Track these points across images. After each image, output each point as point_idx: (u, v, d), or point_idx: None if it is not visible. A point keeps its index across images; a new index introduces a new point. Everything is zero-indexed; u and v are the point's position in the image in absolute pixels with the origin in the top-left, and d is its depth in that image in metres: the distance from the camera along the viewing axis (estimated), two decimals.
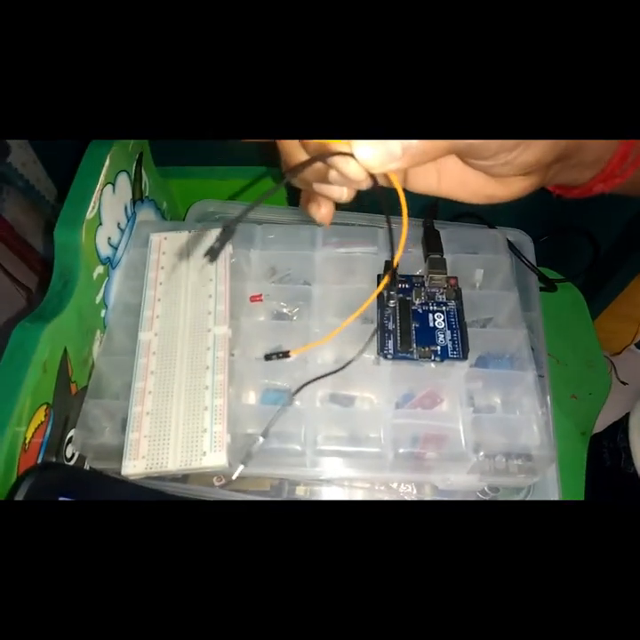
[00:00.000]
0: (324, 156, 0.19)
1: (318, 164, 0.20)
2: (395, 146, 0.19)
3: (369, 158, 0.19)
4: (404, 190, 0.22)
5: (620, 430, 0.49)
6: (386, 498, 0.34)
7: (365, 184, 0.20)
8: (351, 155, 0.19)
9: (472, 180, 0.24)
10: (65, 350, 0.29)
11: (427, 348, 0.33)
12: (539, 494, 0.33)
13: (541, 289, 0.42)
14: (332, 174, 0.21)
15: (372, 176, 0.20)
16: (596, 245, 0.52)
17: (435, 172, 0.24)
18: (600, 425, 0.53)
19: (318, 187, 0.22)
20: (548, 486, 0.33)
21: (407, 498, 0.34)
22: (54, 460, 0.28)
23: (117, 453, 0.30)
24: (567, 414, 0.47)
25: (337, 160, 0.19)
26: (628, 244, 0.53)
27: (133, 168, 0.38)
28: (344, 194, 0.22)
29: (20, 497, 0.24)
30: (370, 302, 0.30)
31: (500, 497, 0.34)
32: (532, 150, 0.20)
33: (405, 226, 0.22)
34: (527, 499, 0.33)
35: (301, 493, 0.34)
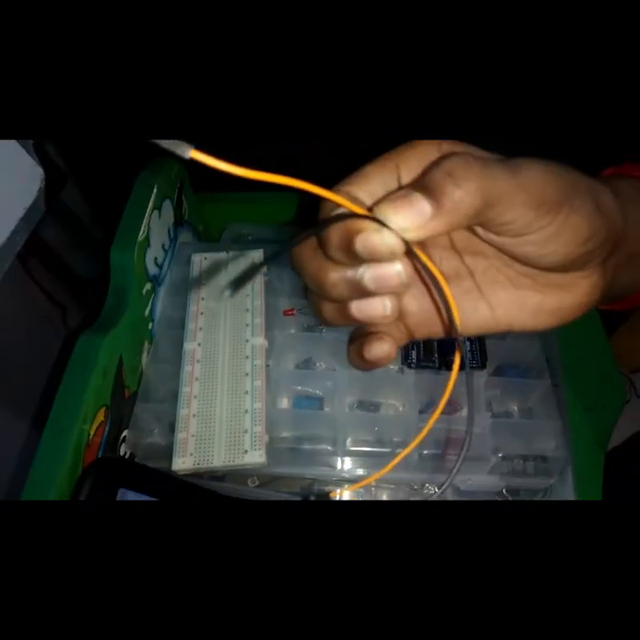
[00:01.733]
0: (345, 217, 0.17)
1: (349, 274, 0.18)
2: (422, 204, 0.16)
3: (400, 220, 0.16)
4: None
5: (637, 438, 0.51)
6: (409, 495, 0.36)
7: (400, 268, 0.17)
8: (380, 222, 0.16)
9: (529, 294, 0.21)
10: (120, 358, 0.32)
11: (448, 358, 0.35)
12: (556, 496, 0.35)
13: None
14: (361, 248, 0.17)
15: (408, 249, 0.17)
16: None
17: (482, 301, 0.21)
18: (619, 439, 0.54)
19: (357, 306, 0.18)
20: (566, 491, 0.35)
21: (430, 497, 0.36)
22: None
23: (164, 453, 0.33)
24: (582, 425, 0.49)
25: (367, 235, 0.17)
26: None
27: (175, 195, 0.41)
28: (388, 306, 0.18)
29: (86, 487, 0.27)
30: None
31: (521, 498, 0.36)
32: (574, 218, 0.18)
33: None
34: (545, 498, 0.35)
35: (330, 494, 0.37)
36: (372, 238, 0.17)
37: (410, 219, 0.16)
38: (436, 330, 0.21)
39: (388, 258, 0.17)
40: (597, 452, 0.47)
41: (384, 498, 0.36)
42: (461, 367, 0.22)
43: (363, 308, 0.18)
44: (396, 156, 0.19)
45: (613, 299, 0.23)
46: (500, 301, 0.21)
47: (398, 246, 0.17)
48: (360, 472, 0.34)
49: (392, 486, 0.36)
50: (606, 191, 0.19)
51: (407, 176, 0.19)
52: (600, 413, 0.50)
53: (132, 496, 0.28)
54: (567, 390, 0.48)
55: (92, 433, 0.29)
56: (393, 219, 0.16)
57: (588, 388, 0.51)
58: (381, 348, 0.19)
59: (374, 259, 0.17)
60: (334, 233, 0.17)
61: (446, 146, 0.19)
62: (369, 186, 0.18)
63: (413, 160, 0.19)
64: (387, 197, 0.17)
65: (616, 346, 0.68)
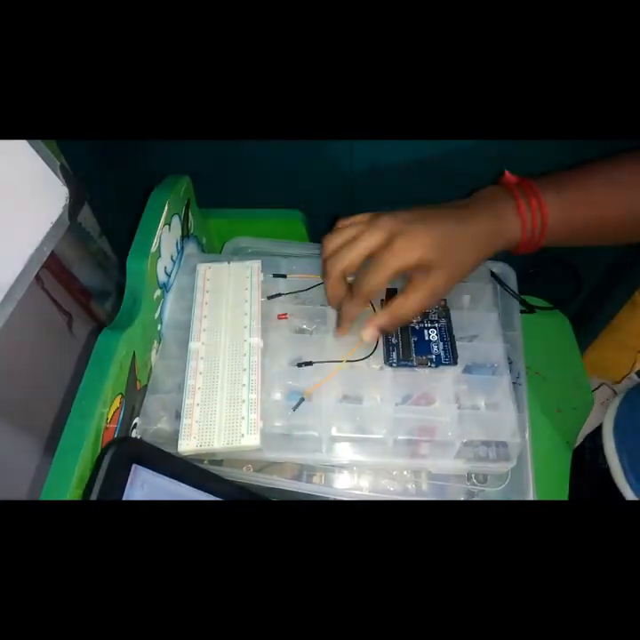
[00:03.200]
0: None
1: None
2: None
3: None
4: None
5: (597, 432, 0.55)
6: (388, 482, 0.40)
7: None
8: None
9: None
10: (134, 354, 0.37)
11: (424, 357, 0.40)
12: (517, 481, 0.40)
13: (522, 311, 0.49)
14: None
15: None
16: (579, 278, 0.59)
17: None
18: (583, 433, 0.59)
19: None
20: (525, 476, 0.39)
21: (406, 482, 0.40)
22: None
23: (170, 438, 0.37)
24: (553, 426, 0.53)
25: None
26: (615, 274, 0.60)
27: (183, 211, 0.46)
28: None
29: (106, 461, 0.31)
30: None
31: (488, 485, 0.40)
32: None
33: None
34: (507, 483, 0.39)
35: (317, 480, 0.41)
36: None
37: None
38: None
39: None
40: (564, 450, 0.52)
41: (366, 484, 0.41)
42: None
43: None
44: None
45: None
46: None
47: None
48: (343, 456, 0.38)
49: (373, 474, 0.41)
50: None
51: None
52: (569, 415, 0.55)
53: (142, 471, 0.33)
54: (540, 395, 0.53)
55: (109, 417, 0.34)
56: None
57: (559, 393, 0.55)
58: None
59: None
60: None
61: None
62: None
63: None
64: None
65: (597, 359, 0.73)
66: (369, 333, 0.38)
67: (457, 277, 0.37)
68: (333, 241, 0.37)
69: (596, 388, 0.80)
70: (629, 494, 0.44)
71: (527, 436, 0.40)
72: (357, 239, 0.36)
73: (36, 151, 0.38)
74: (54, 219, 0.40)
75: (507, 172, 0.39)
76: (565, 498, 0.47)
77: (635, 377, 0.85)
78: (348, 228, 0.37)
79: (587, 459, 0.54)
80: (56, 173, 0.40)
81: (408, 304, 0.37)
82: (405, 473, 0.41)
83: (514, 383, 0.41)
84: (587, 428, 0.57)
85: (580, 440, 0.57)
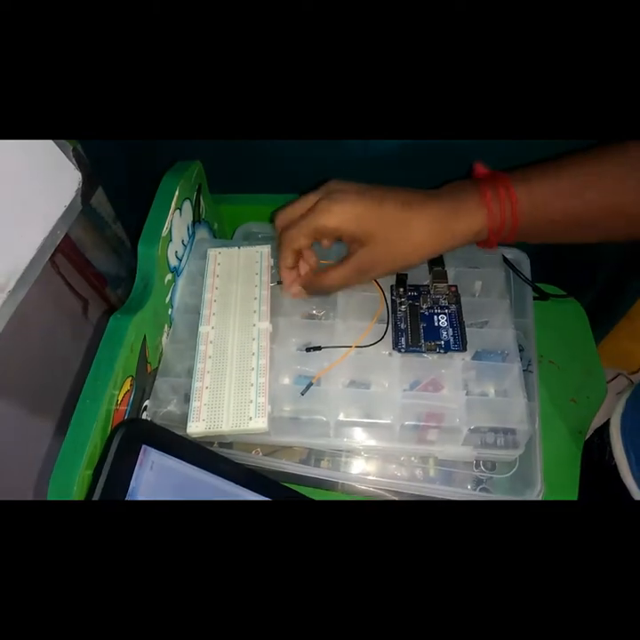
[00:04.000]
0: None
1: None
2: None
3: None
4: None
5: (605, 428, 0.55)
6: (396, 468, 0.41)
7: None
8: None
9: None
10: (144, 337, 0.37)
11: (433, 343, 0.40)
12: (525, 468, 0.39)
13: (535, 299, 0.49)
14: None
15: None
16: (594, 266, 0.58)
17: None
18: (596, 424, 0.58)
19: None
20: (533, 464, 0.39)
21: (414, 468, 0.40)
22: None
23: (180, 420, 0.38)
24: (567, 415, 0.52)
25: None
26: (632, 264, 0.59)
27: (194, 196, 0.47)
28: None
29: (116, 441, 0.32)
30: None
31: (496, 473, 0.40)
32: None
33: None
34: (515, 470, 0.39)
35: (325, 465, 0.42)
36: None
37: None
38: None
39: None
40: (576, 440, 0.51)
41: (373, 469, 0.41)
42: None
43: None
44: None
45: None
46: None
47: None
48: (350, 441, 0.39)
49: (380, 459, 0.41)
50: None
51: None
52: (582, 404, 0.54)
53: (152, 452, 0.33)
54: (554, 383, 0.52)
55: (120, 399, 0.34)
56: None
57: (573, 382, 0.55)
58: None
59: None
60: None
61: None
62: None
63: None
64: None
65: (614, 349, 0.72)
66: (293, 289, 0.42)
67: (396, 261, 0.37)
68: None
69: (613, 379, 0.80)
70: (635, 490, 0.44)
71: (537, 424, 0.39)
72: (301, 198, 0.39)
73: None
74: (67, 202, 0.41)
75: (477, 164, 0.38)
76: (575, 487, 0.47)
77: None
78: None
79: (594, 454, 0.54)
80: (69, 157, 0.41)
81: (331, 275, 0.38)
82: (413, 459, 0.41)
83: (525, 370, 0.40)
84: (598, 420, 0.57)
85: (589, 433, 0.56)
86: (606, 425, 0.56)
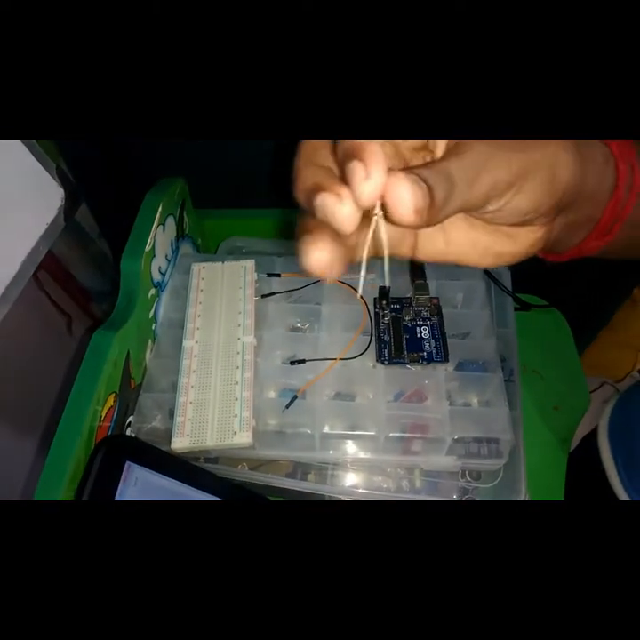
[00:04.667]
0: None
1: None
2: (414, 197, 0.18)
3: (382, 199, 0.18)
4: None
5: (594, 434, 0.55)
6: (382, 479, 0.41)
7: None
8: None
9: (481, 237, 0.23)
10: (128, 352, 0.37)
11: (415, 354, 0.40)
12: (510, 478, 0.40)
13: (517, 309, 0.49)
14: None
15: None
16: (574, 278, 0.60)
17: (441, 235, 0.23)
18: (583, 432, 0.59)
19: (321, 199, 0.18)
20: (516, 474, 0.40)
21: (400, 480, 0.41)
22: None
23: (164, 436, 0.38)
24: (550, 424, 0.53)
25: (327, 198, 0.18)
26: (614, 272, 0.60)
27: (177, 212, 0.47)
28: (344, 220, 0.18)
29: (99, 457, 0.32)
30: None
31: (481, 482, 0.41)
32: (525, 194, 0.21)
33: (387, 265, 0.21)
34: (500, 480, 0.40)
35: (311, 478, 0.42)
36: (328, 203, 0.18)
37: (405, 210, 0.18)
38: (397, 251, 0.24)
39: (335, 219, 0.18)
40: (560, 448, 0.52)
41: (359, 482, 0.41)
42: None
43: (323, 204, 0.18)
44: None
45: (552, 251, 0.27)
46: (455, 238, 0.23)
47: (348, 222, 0.18)
48: (335, 453, 0.39)
49: (366, 471, 0.41)
50: (566, 164, 0.22)
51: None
52: (566, 413, 0.55)
53: (135, 468, 0.33)
54: (537, 392, 0.53)
55: (103, 415, 0.34)
56: (393, 205, 0.18)
57: (556, 391, 0.56)
58: (316, 256, 0.19)
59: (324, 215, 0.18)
60: (303, 184, 0.20)
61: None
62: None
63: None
64: (397, 182, 0.18)
65: (599, 357, 0.73)
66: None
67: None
68: None
69: (598, 388, 0.80)
70: (623, 494, 0.45)
71: (520, 433, 0.40)
72: None
73: (32, 153, 0.38)
74: (50, 219, 0.41)
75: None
76: (560, 495, 0.47)
77: (637, 375, 0.85)
78: None
79: (583, 460, 0.55)
80: (52, 175, 0.41)
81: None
82: (399, 470, 0.41)
83: (506, 380, 0.41)
84: (586, 428, 0.58)
85: (577, 441, 0.57)
86: (594, 431, 0.57)
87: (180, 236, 0.48)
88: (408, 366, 0.41)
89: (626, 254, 0.29)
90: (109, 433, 0.35)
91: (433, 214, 0.19)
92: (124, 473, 0.32)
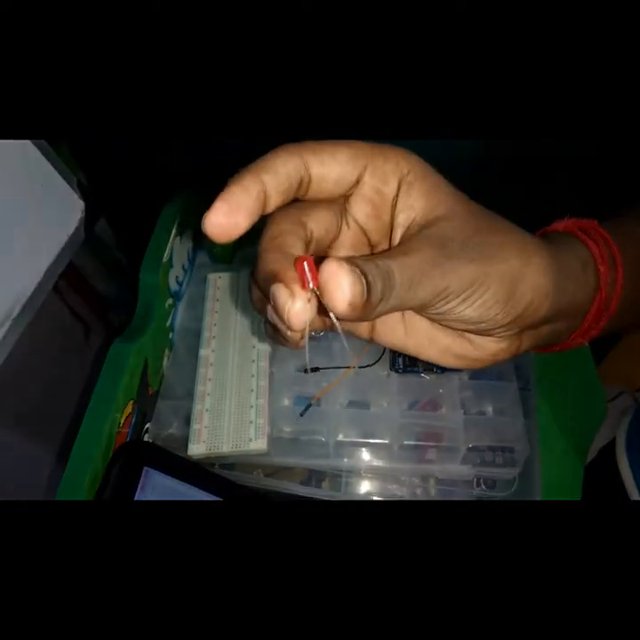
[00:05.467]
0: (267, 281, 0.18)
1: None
2: (351, 297, 0.17)
3: (329, 299, 0.17)
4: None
5: (612, 444, 0.55)
6: (396, 487, 0.41)
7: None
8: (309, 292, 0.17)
9: (440, 336, 0.23)
10: (146, 361, 0.38)
11: (430, 363, 0.40)
12: (525, 487, 0.40)
13: None
14: (269, 310, 0.19)
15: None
16: None
17: (401, 325, 0.23)
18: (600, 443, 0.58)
19: (269, 313, 0.19)
20: (533, 482, 0.39)
21: (415, 488, 0.41)
22: None
23: (180, 443, 0.38)
24: (567, 434, 0.53)
25: (280, 292, 0.17)
26: None
27: (195, 222, 0.48)
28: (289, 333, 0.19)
29: (118, 463, 0.32)
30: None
31: (496, 491, 0.40)
32: (473, 307, 0.20)
33: None
34: (515, 489, 0.39)
35: (325, 485, 0.42)
36: (281, 299, 0.17)
37: (339, 302, 0.17)
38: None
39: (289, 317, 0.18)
40: (577, 458, 0.51)
41: (374, 490, 0.41)
42: None
43: (271, 315, 0.19)
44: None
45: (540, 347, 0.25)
46: (415, 332, 0.23)
47: (297, 319, 0.17)
48: (349, 461, 0.39)
49: (380, 480, 0.41)
50: (533, 280, 0.21)
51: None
52: (583, 422, 0.55)
53: (153, 474, 0.34)
54: (553, 402, 0.52)
55: (122, 421, 0.35)
56: (328, 294, 0.17)
57: (573, 400, 0.55)
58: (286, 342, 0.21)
59: (278, 309, 0.18)
60: (262, 268, 0.19)
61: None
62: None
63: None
64: (338, 271, 0.17)
65: (617, 367, 0.72)
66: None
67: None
68: None
69: (616, 397, 0.80)
70: None
71: (536, 442, 0.40)
72: None
73: (53, 166, 0.39)
74: (71, 231, 0.42)
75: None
76: None
77: None
78: None
79: (600, 471, 0.54)
80: (73, 187, 0.42)
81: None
82: (413, 478, 0.41)
83: (522, 389, 0.41)
84: (603, 439, 0.57)
85: (594, 452, 0.56)
86: (612, 443, 0.56)
87: (197, 246, 0.49)
88: (422, 375, 0.41)
89: (621, 331, 0.28)
90: (128, 439, 0.36)
91: (367, 311, 0.18)
92: (142, 478, 0.33)
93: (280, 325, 0.19)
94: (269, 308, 0.19)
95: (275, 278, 0.18)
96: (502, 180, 0.40)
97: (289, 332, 0.19)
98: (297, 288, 0.18)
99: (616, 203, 0.27)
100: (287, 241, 0.20)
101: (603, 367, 0.67)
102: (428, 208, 0.21)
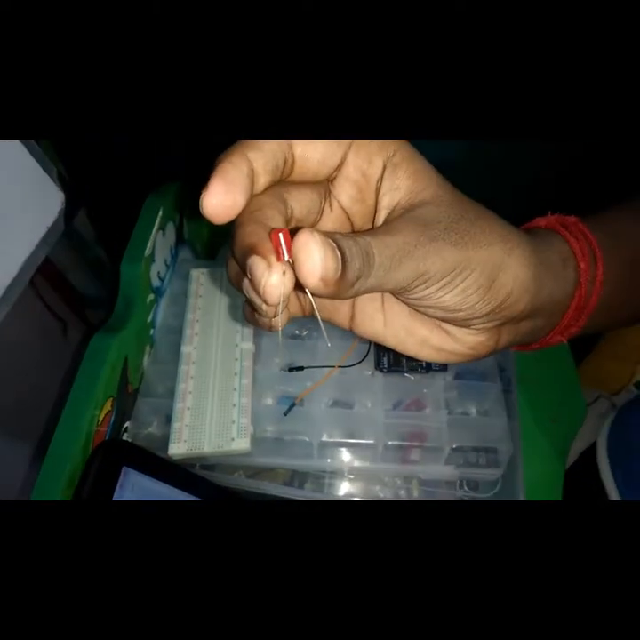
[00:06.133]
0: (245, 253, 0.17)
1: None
2: (329, 269, 0.17)
3: (301, 270, 0.17)
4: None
5: (592, 448, 0.55)
6: (380, 488, 0.40)
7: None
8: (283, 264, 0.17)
9: (418, 326, 0.22)
10: (126, 357, 0.37)
11: (414, 363, 0.40)
12: (508, 488, 0.40)
13: None
14: (245, 284, 0.18)
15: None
16: None
17: (381, 314, 0.23)
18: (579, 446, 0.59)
19: (245, 286, 0.19)
20: (516, 482, 0.40)
21: (398, 489, 0.40)
22: None
23: (161, 442, 0.37)
24: (548, 436, 0.53)
25: (256, 263, 0.17)
26: None
27: (177, 217, 0.47)
28: (264, 307, 0.18)
29: (96, 462, 0.31)
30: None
31: (479, 492, 0.40)
32: (453, 293, 0.20)
33: None
34: (498, 490, 0.40)
35: (308, 487, 0.41)
36: (258, 271, 0.17)
37: (310, 275, 0.17)
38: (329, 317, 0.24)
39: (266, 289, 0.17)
40: (558, 459, 0.52)
41: (357, 491, 0.41)
42: None
43: (247, 289, 0.19)
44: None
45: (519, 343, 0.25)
46: (393, 322, 0.22)
47: (272, 293, 0.17)
48: (333, 462, 0.39)
49: (364, 482, 0.41)
50: (514, 271, 0.21)
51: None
52: (563, 424, 0.55)
53: (132, 474, 0.33)
54: (534, 405, 0.53)
55: (100, 419, 0.34)
56: (298, 265, 0.17)
57: (553, 403, 0.56)
58: (263, 321, 0.20)
59: (254, 282, 0.17)
60: (240, 241, 0.18)
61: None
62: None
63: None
64: (308, 241, 0.17)
65: (595, 370, 0.73)
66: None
67: None
68: None
69: (594, 401, 0.81)
70: None
71: (518, 443, 0.40)
72: None
73: (33, 156, 0.38)
74: (49, 223, 0.40)
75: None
76: None
77: (633, 389, 0.85)
78: None
79: (582, 474, 0.55)
80: (52, 178, 0.41)
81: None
82: (397, 479, 0.41)
83: (504, 391, 0.41)
84: (582, 442, 0.57)
85: (575, 456, 0.57)
86: (593, 446, 0.57)
87: (180, 241, 0.48)
88: (407, 375, 0.41)
89: (602, 329, 0.29)
90: (106, 438, 0.35)
91: (341, 288, 0.17)
92: (120, 478, 0.32)
93: (256, 300, 0.18)
94: (246, 281, 0.18)
95: (251, 251, 0.17)
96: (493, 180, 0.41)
97: (264, 307, 0.18)
98: (273, 259, 0.17)
99: (602, 201, 0.27)
100: (266, 214, 0.19)
101: (582, 370, 0.68)
102: (414, 191, 0.20)
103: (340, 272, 0.17)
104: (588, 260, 0.24)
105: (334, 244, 0.17)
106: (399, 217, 0.20)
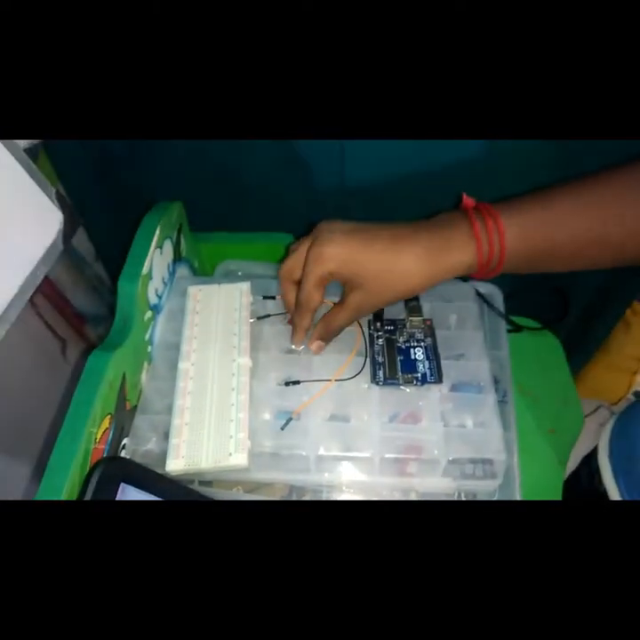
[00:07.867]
0: None
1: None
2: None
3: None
4: None
5: (593, 455, 0.56)
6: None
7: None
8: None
9: None
10: (124, 374, 0.38)
11: (409, 375, 0.41)
12: (505, 498, 0.40)
13: (510, 331, 0.50)
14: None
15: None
16: (566, 299, 0.60)
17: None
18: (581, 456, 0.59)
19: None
20: (513, 492, 0.40)
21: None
22: None
23: (159, 459, 0.38)
24: (546, 446, 0.53)
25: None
26: (606, 294, 0.61)
27: (174, 235, 0.48)
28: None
29: (94, 479, 0.31)
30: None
31: None
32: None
33: None
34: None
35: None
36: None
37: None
38: None
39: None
40: (557, 470, 0.52)
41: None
42: None
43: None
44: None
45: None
46: None
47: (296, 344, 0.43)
48: (331, 475, 0.39)
49: (362, 496, 0.41)
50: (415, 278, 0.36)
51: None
52: (561, 434, 0.55)
53: (130, 490, 0.33)
54: (532, 415, 0.53)
55: (98, 437, 0.34)
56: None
57: (551, 412, 0.56)
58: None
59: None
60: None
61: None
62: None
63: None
64: (313, 346, 0.42)
65: (593, 380, 0.73)
66: (313, 346, 0.42)
67: (388, 297, 0.37)
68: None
69: (594, 411, 0.81)
70: None
71: (515, 454, 0.40)
72: (296, 246, 0.40)
73: (31, 177, 0.39)
74: (48, 243, 0.41)
75: (464, 195, 0.38)
76: None
77: (632, 398, 0.85)
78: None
79: (583, 482, 0.54)
80: (51, 198, 0.41)
81: (337, 318, 0.40)
82: (394, 493, 0.41)
83: (500, 402, 0.41)
84: (583, 451, 0.58)
85: (576, 463, 0.57)
86: (594, 452, 0.57)
87: (177, 258, 0.49)
88: (402, 387, 0.41)
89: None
90: (104, 455, 0.35)
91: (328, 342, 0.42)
92: (118, 495, 0.32)
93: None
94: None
95: (289, 307, 0.43)
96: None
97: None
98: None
99: None
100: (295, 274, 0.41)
101: (579, 381, 0.68)
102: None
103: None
104: (492, 233, 0.35)
105: (322, 343, 0.42)
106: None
